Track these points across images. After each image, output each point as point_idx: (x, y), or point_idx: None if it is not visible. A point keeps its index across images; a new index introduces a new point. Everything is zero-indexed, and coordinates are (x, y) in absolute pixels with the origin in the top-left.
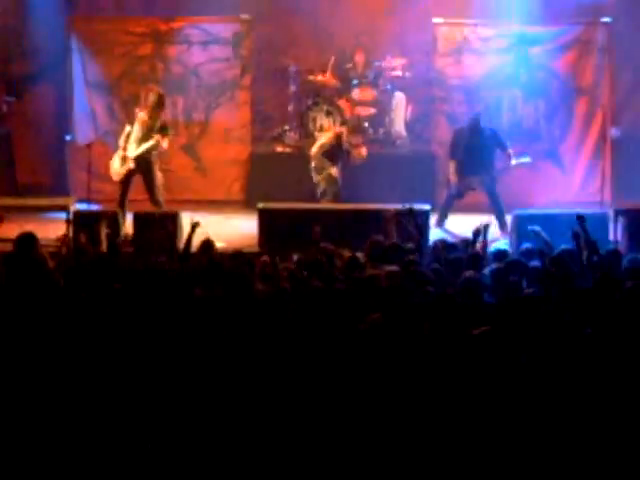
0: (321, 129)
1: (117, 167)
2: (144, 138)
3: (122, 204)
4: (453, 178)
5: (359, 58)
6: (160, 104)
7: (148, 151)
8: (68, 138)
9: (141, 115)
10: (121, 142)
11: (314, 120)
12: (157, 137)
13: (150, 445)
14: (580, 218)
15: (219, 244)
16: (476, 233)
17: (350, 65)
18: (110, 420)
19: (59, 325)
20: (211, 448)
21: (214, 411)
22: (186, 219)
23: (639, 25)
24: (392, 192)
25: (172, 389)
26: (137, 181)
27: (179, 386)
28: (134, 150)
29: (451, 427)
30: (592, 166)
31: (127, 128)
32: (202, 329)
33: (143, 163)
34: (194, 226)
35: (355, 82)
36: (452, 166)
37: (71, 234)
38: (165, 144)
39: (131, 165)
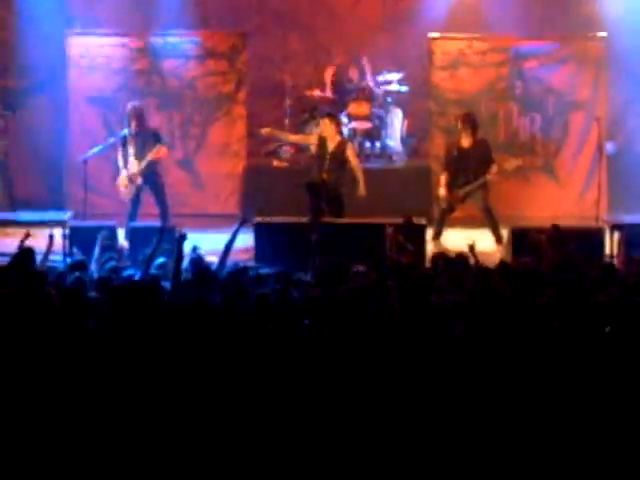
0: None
1: (125, 186)
2: (140, 152)
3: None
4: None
5: (353, 73)
6: (139, 115)
7: (152, 162)
8: (64, 153)
9: (127, 131)
10: (120, 163)
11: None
12: (161, 146)
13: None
14: (556, 228)
15: (214, 258)
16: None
17: (347, 79)
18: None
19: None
20: (214, 450)
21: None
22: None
23: (634, 40)
24: (388, 206)
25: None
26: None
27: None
28: (137, 165)
29: (443, 427)
30: (588, 180)
31: (120, 149)
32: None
33: (151, 176)
34: (181, 239)
35: (351, 97)
36: (443, 179)
37: (67, 249)
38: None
39: (139, 181)
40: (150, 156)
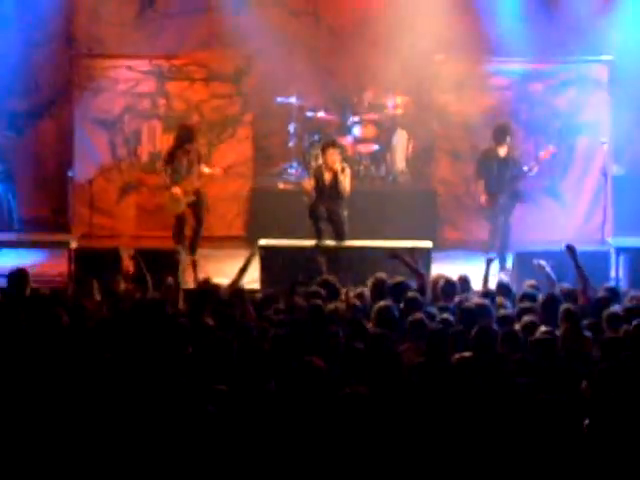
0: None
1: (176, 202)
2: (190, 171)
3: (181, 239)
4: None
5: (366, 96)
6: (192, 136)
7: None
8: (70, 174)
9: (182, 150)
10: (170, 179)
11: (316, 157)
12: (218, 167)
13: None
14: (570, 248)
15: (221, 280)
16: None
17: (355, 101)
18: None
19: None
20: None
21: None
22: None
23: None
24: (393, 229)
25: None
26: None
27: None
28: (195, 182)
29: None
30: (593, 203)
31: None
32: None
33: (200, 194)
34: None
35: (357, 119)
36: (481, 185)
37: (73, 270)
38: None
39: (193, 197)
40: (209, 173)
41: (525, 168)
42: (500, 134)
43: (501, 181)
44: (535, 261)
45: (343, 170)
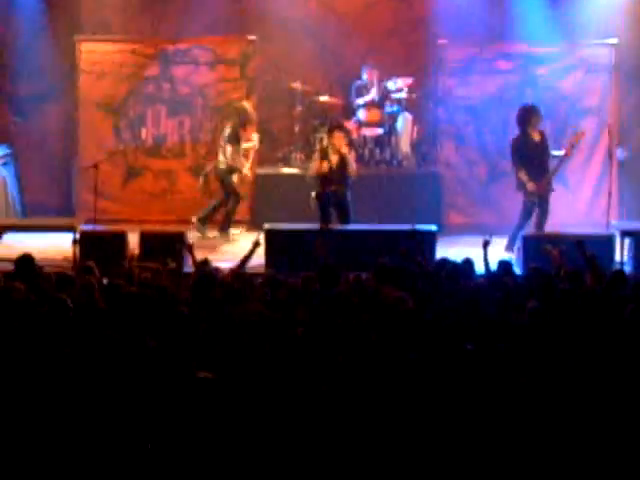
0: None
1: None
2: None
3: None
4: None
5: (369, 77)
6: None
7: None
8: (74, 158)
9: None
10: (235, 158)
11: (321, 141)
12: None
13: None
14: (579, 244)
15: (225, 265)
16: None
17: (361, 83)
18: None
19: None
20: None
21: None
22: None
23: None
24: (398, 213)
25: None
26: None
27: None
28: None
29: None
30: (598, 186)
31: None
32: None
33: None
34: (255, 245)
35: (361, 103)
36: (524, 174)
37: (77, 255)
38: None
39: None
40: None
41: (561, 152)
42: (522, 117)
43: (544, 165)
44: (548, 246)
45: (349, 152)
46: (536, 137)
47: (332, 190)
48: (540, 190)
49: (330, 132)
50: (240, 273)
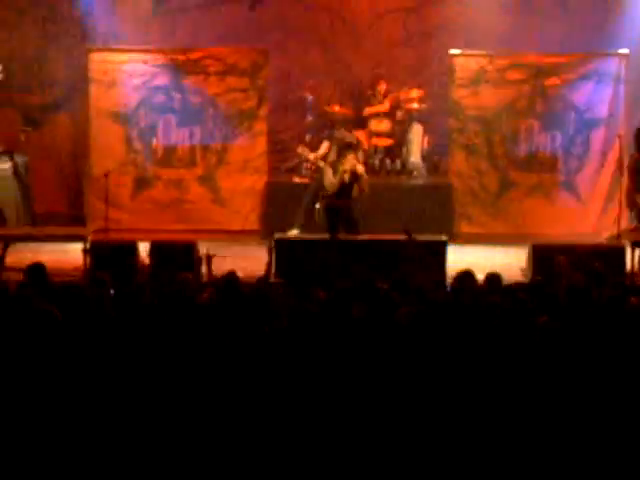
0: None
1: None
2: None
3: None
4: None
5: (380, 87)
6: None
7: None
8: (85, 168)
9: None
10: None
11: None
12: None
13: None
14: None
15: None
16: None
17: (371, 93)
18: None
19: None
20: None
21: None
22: (202, 250)
23: None
24: (409, 223)
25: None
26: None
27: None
28: None
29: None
30: (609, 197)
31: None
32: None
33: None
34: (209, 258)
35: (372, 113)
36: None
37: (88, 264)
38: None
39: None
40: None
41: None
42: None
43: None
44: (561, 258)
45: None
46: None
47: (339, 204)
48: None
49: (341, 155)
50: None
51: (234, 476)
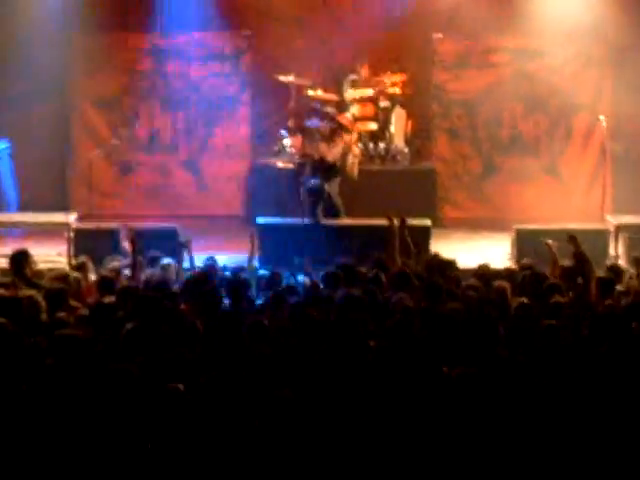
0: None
1: None
2: None
3: None
4: None
5: (363, 72)
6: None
7: None
8: (68, 154)
9: None
10: None
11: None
12: None
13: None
14: (572, 238)
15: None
16: None
17: (355, 77)
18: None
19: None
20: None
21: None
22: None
23: (639, 40)
24: (392, 207)
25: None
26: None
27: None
28: None
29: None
30: (592, 180)
31: None
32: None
33: None
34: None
35: (355, 98)
36: None
37: (72, 251)
38: None
39: None
40: None
41: None
42: None
43: None
44: (548, 240)
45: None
46: None
47: (319, 189)
48: None
49: (337, 136)
50: None
51: None
